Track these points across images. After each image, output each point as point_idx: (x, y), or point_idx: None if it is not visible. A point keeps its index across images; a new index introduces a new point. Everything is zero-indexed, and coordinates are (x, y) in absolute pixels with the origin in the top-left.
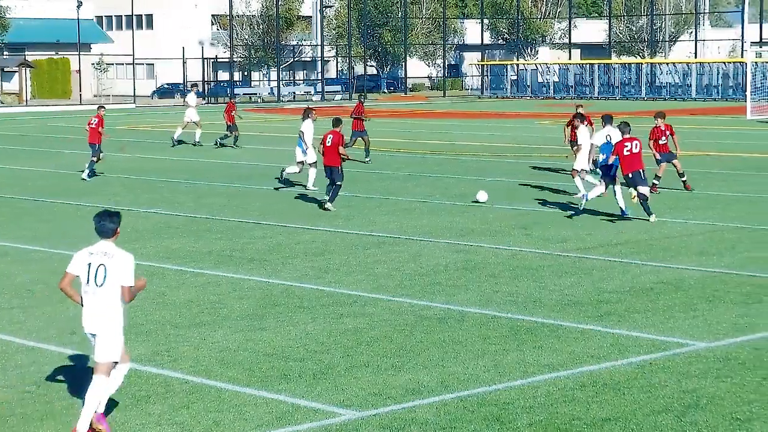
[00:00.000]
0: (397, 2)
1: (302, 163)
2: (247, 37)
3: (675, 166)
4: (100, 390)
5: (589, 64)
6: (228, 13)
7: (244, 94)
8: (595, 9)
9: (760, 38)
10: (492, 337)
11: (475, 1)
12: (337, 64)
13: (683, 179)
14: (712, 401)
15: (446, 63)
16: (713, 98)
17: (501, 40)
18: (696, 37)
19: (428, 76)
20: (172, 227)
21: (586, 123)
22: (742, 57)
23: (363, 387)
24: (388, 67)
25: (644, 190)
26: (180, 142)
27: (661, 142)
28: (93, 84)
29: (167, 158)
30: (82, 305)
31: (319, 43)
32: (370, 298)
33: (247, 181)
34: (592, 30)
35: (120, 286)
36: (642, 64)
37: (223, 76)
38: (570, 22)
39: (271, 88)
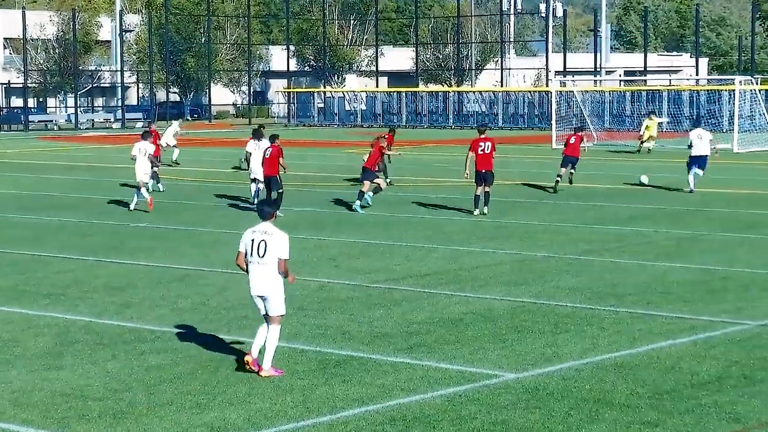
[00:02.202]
0: (201, 27)
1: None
2: (42, 61)
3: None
4: (276, 336)
5: (397, 92)
6: (21, 37)
7: (39, 121)
8: (402, 37)
9: (564, 67)
10: (300, 371)
11: (280, 27)
12: (138, 90)
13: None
14: None
15: (252, 90)
16: (519, 127)
17: (308, 67)
18: (502, 65)
19: (233, 104)
20: None
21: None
22: (546, 86)
23: (167, 426)
24: (192, 93)
25: None
26: None
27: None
28: None
29: None
30: (247, 273)
31: (119, 69)
32: (174, 333)
33: (43, 212)
34: (399, 57)
35: (277, 258)
36: (449, 92)
37: (17, 102)
38: (377, 50)
39: (69, 115)
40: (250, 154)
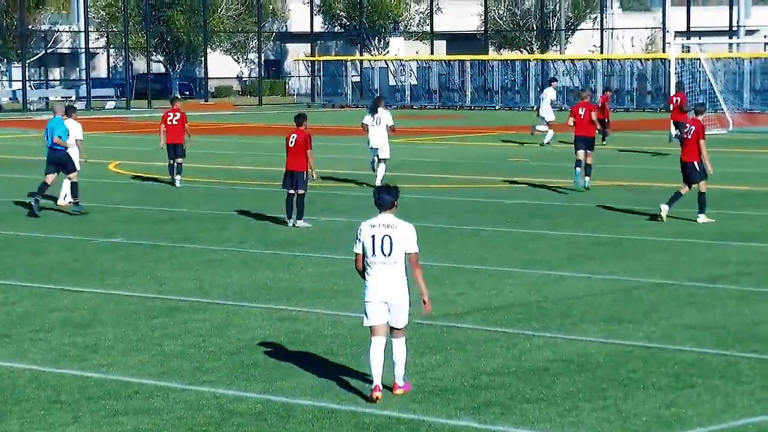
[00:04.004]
0: None
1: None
2: None
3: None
4: (404, 349)
5: (459, 61)
6: None
7: None
8: None
9: (688, 27)
10: None
11: None
12: (108, 59)
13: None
14: None
15: (263, 58)
16: (626, 108)
17: (338, 27)
18: (602, 24)
19: (238, 77)
20: None
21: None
22: (664, 52)
23: None
24: (182, 63)
25: None
26: None
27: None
28: None
29: None
30: (365, 278)
31: (83, 29)
32: (158, 387)
33: None
34: (462, 15)
35: (406, 253)
36: (530, 60)
37: None
38: (432, 3)
39: (13, 91)
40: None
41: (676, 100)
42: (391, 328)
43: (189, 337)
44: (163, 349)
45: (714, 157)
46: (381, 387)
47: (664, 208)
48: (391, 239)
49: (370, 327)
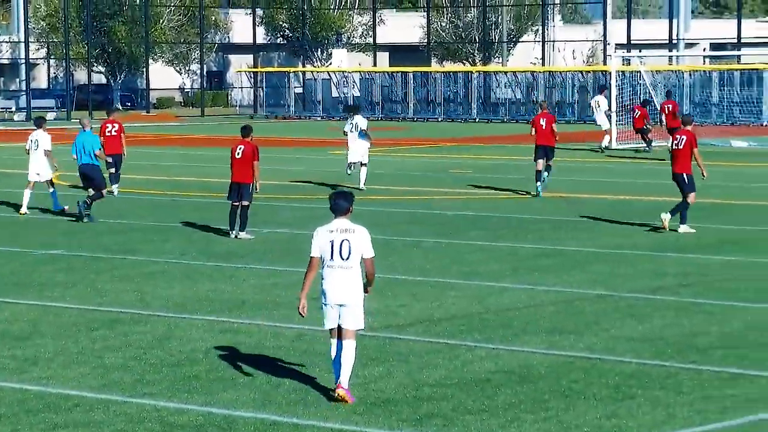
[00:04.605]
0: None
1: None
2: None
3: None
4: (353, 353)
5: (402, 72)
6: None
7: None
8: None
9: (629, 39)
10: None
11: None
12: (48, 69)
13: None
14: None
15: (205, 69)
16: (567, 120)
17: (281, 39)
18: (544, 37)
19: (180, 88)
20: None
21: None
22: (604, 64)
23: None
24: (123, 74)
25: None
26: None
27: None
28: None
29: None
30: (321, 280)
31: (23, 39)
32: (98, 400)
33: None
34: (405, 26)
35: (362, 258)
36: (473, 73)
37: None
38: (375, 15)
39: None
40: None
41: (668, 108)
42: (341, 330)
43: (130, 349)
44: (104, 361)
45: (653, 169)
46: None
47: (665, 217)
48: (349, 243)
49: (330, 330)
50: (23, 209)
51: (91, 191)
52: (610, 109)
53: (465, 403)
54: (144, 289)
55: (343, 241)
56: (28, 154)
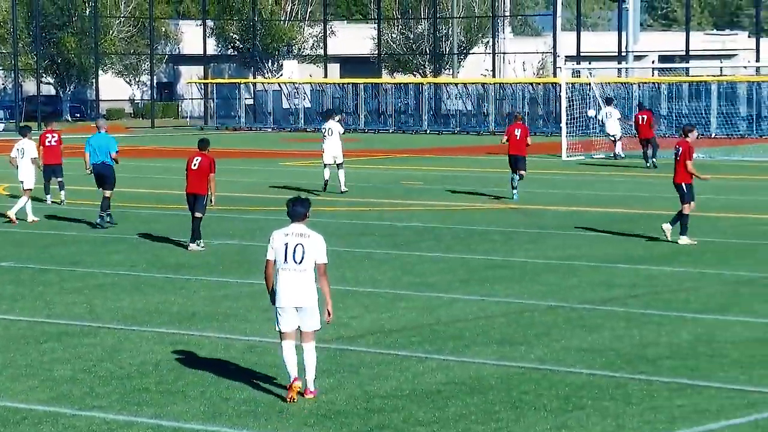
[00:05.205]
0: None
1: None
2: None
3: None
4: (315, 353)
5: (353, 84)
6: None
7: None
8: (360, 10)
9: (578, 51)
10: None
11: None
12: None
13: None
14: None
15: (155, 80)
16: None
17: (231, 50)
18: (494, 49)
19: (130, 99)
20: None
21: None
22: (554, 76)
23: None
24: (73, 85)
25: None
26: None
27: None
28: None
29: None
30: (274, 285)
31: None
32: (47, 413)
33: None
34: (355, 38)
35: (316, 263)
36: (423, 84)
37: None
38: (325, 27)
39: None
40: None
41: (642, 119)
42: (302, 333)
43: (79, 362)
44: (53, 374)
45: (601, 180)
46: (299, 379)
47: (667, 227)
48: (303, 248)
49: (282, 332)
50: (30, 218)
51: (102, 203)
52: (622, 118)
53: (416, 415)
54: (93, 301)
55: (297, 245)
56: (11, 163)
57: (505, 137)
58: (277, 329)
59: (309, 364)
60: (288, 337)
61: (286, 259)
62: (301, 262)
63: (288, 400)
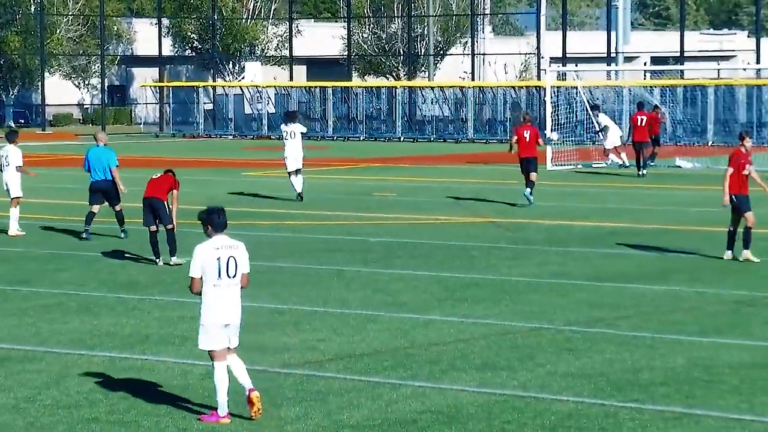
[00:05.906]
0: None
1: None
2: None
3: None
4: (240, 359)
5: (321, 87)
6: None
7: None
8: (328, 7)
9: (564, 53)
10: None
11: None
12: None
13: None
14: None
15: (106, 84)
16: (498, 138)
17: (189, 51)
18: (473, 50)
19: (79, 104)
20: None
21: None
22: (538, 79)
23: None
24: (16, 88)
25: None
26: None
27: None
28: None
29: None
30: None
31: None
32: None
33: None
34: (324, 38)
35: (243, 274)
36: (397, 88)
37: None
38: (291, 26)
39: None
40: None
41: (641, 120)
42: (228, 350)
43: (22, 389)
44: None
45: (593, 191)
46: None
47: (728, 254)
48: (236, 260)
49: (212, 352)
50: (12, 231)
51: (117, 219)
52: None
53: None
54: (39, 323)
55: (229, 258)
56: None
57: (515, 138)
58: (206, 350)
59: (242, 371)
60: (220, 357)
61: (220, 275)
62: (234, 276)
63: (254, 415)
